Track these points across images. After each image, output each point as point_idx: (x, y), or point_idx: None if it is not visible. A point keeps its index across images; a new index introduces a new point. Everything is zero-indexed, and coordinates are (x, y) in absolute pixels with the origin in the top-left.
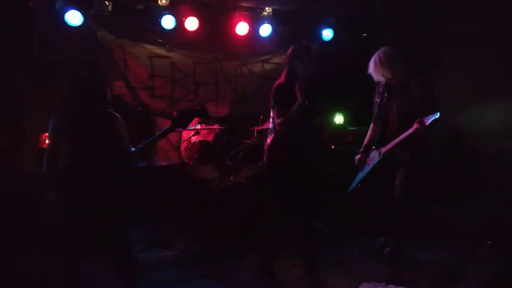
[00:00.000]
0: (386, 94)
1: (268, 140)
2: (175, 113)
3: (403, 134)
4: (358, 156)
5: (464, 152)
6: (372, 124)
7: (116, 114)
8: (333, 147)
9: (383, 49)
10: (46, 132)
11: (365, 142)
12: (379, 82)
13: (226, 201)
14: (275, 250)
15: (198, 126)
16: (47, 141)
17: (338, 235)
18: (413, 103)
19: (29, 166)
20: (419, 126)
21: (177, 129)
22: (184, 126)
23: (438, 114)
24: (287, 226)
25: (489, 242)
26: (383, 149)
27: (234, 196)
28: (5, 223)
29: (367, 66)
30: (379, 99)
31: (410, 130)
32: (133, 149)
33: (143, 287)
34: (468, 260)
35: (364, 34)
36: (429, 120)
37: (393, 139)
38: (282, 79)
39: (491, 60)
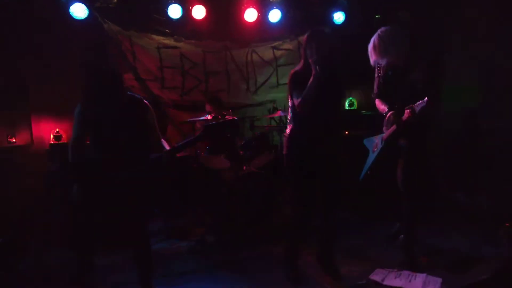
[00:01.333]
0: (387, 77)
1: (287, 130)
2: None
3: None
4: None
5: (482, 139)
6: (377, 99)
7: (146, 102)
8: (347, 132)
9: (379, 31)
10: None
11: (386, 108)
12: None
13: (239, 191)
14: (298, 240)
15: (209, 116)
16: (72, 133)
17: (352, 221)
18: (414, 88)
19: (40, 163)
20: (410, 113)
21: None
22: (215, 137)
23: (426, 100)
24: (309, 215)
25: (507, 224)
26: (384, 136)
27: (247, 185)
28: (19, 220)
29: None
30: (381, 75)
31: (403, 118)
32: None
33: (159, 278)
34: (485, 244)
35: (377, 16)
36: (418, 107)
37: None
38: (298, 67)
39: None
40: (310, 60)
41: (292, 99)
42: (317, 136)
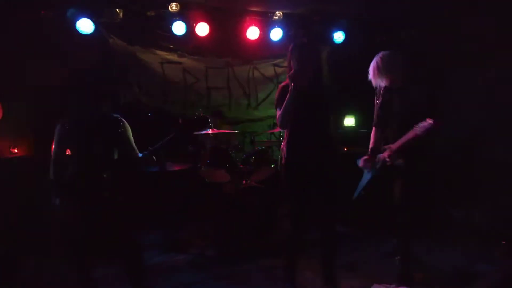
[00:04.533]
0: (386, 99)
1: (283, 144)
2: (180, 120)
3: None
4: (365, 157)
5: (477, 152)
6: (374, 128)
7: (122, 119)
8: (345, 149)
9: (380, 54)
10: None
11: (370, 145)
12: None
13: (239, 205)
14: (296, 256)
15: (209, 131)
16: (53, 147)
17: (351, 235)
18: (413, 109)
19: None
20: (387, 156)
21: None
22: (189, 133)
23: (431, 122)
24: (305, 229)
25: (504, 242)
26: (381, 156)
27: (247, 199)
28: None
29: None
30: (379, 101)
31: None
32: (140, 154)
33: None
34: (481, 261)
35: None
36: (422, 129)
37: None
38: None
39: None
40: (287, 75)
41: (277, 111)
42: (304, 150)
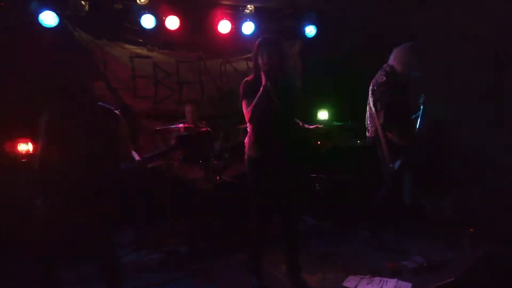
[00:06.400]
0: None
1: (246, 139)
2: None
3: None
4: None
5: (446, 144)
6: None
7: (117, 112)
8: (319, 142)
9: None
10: (23, 136)
11: None
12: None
13: (213, 201)
14: (262, 249)
15: (181, 125)
16: (37, 144)
17: (324, 228)
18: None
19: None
20: None
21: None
22: (188, 147)
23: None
24: (270, 223)
25: (471, 230)
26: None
27: (220, 195)
28: None
29: (350, 62)
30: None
31: None
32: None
33: None
34: (450, 250)
35: (347, 31)
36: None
37: None
38: (249, 76)
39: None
40: (261, 70)
41: (242, 104)
42: (268, 147)
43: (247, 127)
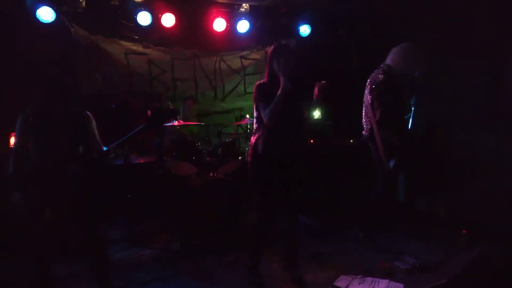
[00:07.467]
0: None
1: (253, 139)
2: (149, 112)
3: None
4: None
5: (440, 145)
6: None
7: (87, 112)
8: (312, 141)
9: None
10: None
11: None
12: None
13: (205, 198)
14: (263, 246)
15: (176, 123)
16: (14, 140)
17: (317, 228)
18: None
19: None
20: None
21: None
22: (158, 126)
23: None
24: (271, 221)
25: (464, 231)
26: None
27: (213, 192)
28: None
29: (343, 60)
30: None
31: None
32: (105, 148)
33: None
34: (443, 250)
35: (340, 30)
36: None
37: None
38: (263, 79)
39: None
40: (279, 74)
41: (257, 110)
42: (282, 146)
43: (243, 124)
